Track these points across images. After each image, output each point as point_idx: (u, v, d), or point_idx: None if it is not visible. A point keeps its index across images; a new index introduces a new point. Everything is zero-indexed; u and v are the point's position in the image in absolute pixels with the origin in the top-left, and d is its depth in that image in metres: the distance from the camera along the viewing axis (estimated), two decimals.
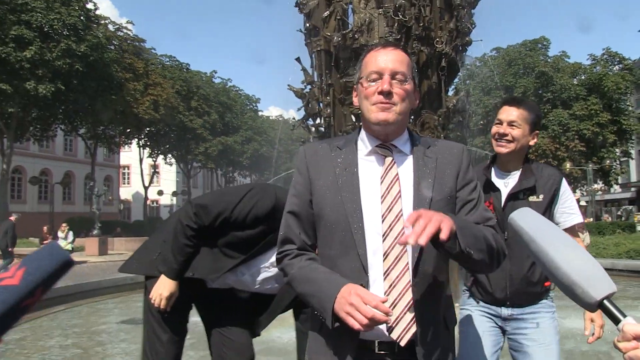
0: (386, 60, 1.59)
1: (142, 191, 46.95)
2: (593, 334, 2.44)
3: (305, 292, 1.56)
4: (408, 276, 1.50)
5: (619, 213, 46.92)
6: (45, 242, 18.62)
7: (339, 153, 1.66)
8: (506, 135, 2.49)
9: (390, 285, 1.49)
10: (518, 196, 2.46)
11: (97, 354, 5.83)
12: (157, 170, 51.22)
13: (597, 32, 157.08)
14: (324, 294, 1.47)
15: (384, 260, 1.51)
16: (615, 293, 1.12)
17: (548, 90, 38.03)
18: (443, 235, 1.31)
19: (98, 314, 8.60)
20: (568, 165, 38.43)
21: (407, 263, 1.51)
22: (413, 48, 5.17)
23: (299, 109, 5.73)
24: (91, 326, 7.47)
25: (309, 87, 5.71)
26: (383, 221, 1.53)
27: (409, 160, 1.63)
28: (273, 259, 2.55)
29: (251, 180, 62.23)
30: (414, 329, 1.49)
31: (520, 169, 2.54)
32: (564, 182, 2.54)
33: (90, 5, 30.24)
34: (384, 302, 1.37)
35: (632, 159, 46.23)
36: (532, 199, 2.45)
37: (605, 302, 1.12)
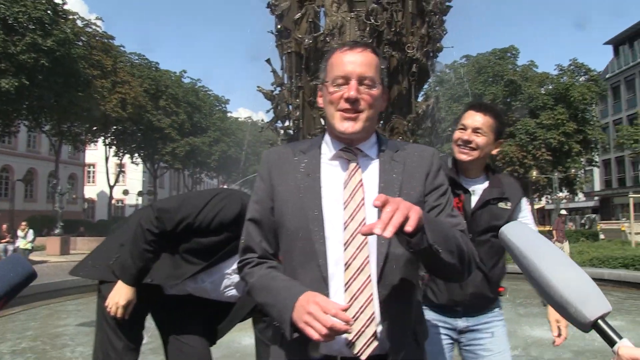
0: (354, 64, 1.51)
1: (107, 190, 46.11)
2: (559, 335, 2.41)
3: (264, 302, 1.48)
4: (370, 289, 1.42)
5: (583, 221, 48.12)
6: (3, 240, 18.12)
7: (302, 157, 1.58)
8: (470, 142, 2.40)
9: (352, 297, 1.41)
10: (489, 202, 2.42)
11: (52, 359, 5.61)
12: (123, 169, 50.34)
13: (564, 43, 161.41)
14: (282, 304, 1.38)
15: (345, 271, 1.43)
16: (610, 312, 1.07)
17: (517, 99, 38.78)
18: (409, 227, 1.20)
19: (56, 316, 8.31)
20: (534, 173, 39.23)
21: (369, 275, 1.42)
22: (384, 53, 5.14)
23: (267, 111, 5.63)
24: (49, 329, 7.21)
25: (278, 89, 5.63)
26: (345, 229, 1.45)
27: (375, 164, 1.56)
28: (235, 266, 2.47)
29: (218, 181, 61.81)
30: (375, 343, 1.41)
31: (483, 176, 2.50)
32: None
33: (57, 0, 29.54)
34: (345, 310, 1.29)
35: (598, 167, 47.50)
36: (502, 205, 2.42)
37: (600, 322, 1.07)
